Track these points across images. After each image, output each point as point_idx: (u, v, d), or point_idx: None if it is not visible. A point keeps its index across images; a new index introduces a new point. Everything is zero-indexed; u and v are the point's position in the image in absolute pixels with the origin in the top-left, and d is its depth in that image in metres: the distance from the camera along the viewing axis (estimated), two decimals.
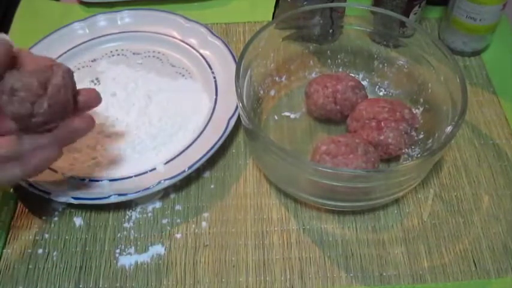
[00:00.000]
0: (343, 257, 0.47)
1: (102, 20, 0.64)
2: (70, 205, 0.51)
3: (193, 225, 0.49)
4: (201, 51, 0.61)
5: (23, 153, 0.37)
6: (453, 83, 0.47)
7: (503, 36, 0.64)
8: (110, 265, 0.47)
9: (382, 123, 0.49)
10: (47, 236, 0.49)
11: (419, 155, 0.51)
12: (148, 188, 0.48)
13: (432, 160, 0.44)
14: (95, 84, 0.59)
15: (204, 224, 0.49)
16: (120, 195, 0.48)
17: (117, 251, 0.48)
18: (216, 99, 0.55)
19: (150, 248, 0.48)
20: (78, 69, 0.61)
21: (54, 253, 0.48)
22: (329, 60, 0.59)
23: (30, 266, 0.47)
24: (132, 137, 0.53)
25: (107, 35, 0.63)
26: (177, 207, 0.51)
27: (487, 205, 0.50)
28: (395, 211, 0.50)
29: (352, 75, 0.56)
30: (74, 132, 0.39)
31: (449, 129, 0.44)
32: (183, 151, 0.51)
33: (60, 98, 0.36)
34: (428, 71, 0.52)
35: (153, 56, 0.62)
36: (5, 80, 0.34)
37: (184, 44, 0.62)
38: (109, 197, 0.47)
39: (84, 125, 0.39)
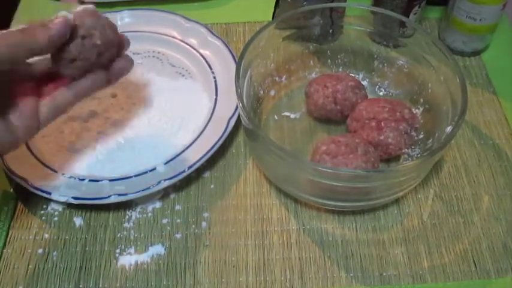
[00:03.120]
0: (343, 257, 0.47)
1: None
2: (70, 205, 0.51)
3: (193, 225, 0.49)
4: (201, 51, 0.61)
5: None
6: (453, 83, 0.47)
7: (503, 36, 0.64)
8: (110, 265, 0.47)
9: (382, 123, 0.49)
10: (47, 236, 0.49)
11: (419, 155, 0.51)
12: (148, 188, 0.48)
13: (432, 160, 0.44)
14: None
15: (204, 224, 0.49)
16: (120, 195, 0.48)
17: (117, 251, 0.48)
18: (216, 99, 0.55)
19: (150, 248, 0.48)
20: None
21: (54, 253, 0.48)
22: (329, 60, 0.59)
23: (30, 266, 0.47)
24: (132, 137, 0.53)
25: None
26: (177, 207, 0.51)
27: (487, 205, 0.50)
28: (395, 211, 0.50)
29: (352, 75, 0.56)
30: (120, 71, 0.43)
31: (449, 129, 0.44)
32: (183, 151, 0.51)
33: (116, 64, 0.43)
34: (428, 71, 0.52)
35: (153, 56, 0.62)
36: (68, 50, 0.39)
37: (184, 44, 0.62)
38: (109, 197, 0.47)
39: (126, 64, 0.44)
